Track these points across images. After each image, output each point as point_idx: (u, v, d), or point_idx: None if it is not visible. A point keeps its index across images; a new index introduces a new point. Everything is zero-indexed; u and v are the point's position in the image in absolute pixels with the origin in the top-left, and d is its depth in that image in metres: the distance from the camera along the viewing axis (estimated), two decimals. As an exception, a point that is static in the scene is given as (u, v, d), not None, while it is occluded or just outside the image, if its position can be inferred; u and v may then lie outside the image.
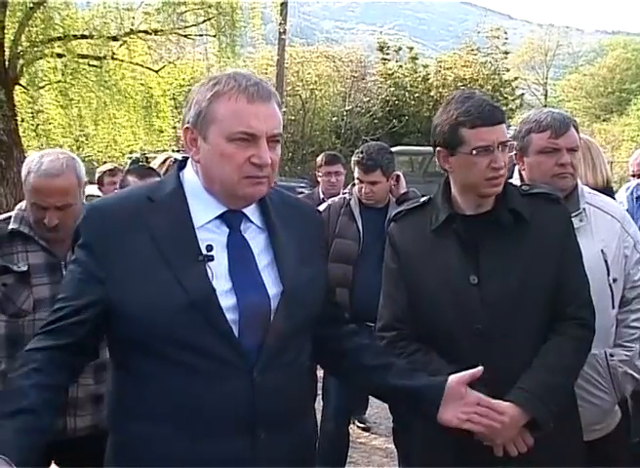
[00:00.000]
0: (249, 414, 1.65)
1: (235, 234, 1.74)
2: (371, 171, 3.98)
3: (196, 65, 14.22)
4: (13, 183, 10.00)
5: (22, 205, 2.66)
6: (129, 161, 14.55)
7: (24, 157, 10.66)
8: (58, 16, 11.45)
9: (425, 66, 29.23)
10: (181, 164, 1.82)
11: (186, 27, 12.54)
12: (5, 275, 2.55)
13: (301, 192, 11.55)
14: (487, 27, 32.48)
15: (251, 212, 1.78)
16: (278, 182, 6.69)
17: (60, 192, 2.51)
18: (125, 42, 12.21)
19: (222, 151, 1.66)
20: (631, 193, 4.78)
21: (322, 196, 5.32)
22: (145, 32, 12.25)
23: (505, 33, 31.43)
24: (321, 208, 4.04)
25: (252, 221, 1.78)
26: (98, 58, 11.90)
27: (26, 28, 11.01)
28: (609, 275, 2.41)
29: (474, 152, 2.04)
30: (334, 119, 26.47)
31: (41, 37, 11.16)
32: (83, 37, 11.77)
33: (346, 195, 4.19)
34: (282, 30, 19.74)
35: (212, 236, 1.72)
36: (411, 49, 30.21)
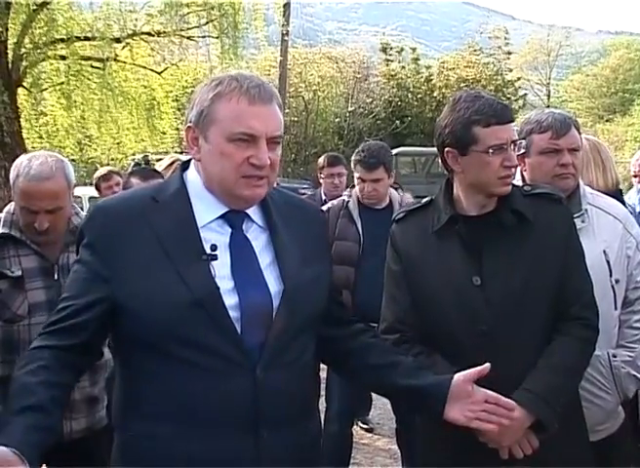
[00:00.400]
0: (251, 413, 1.66)
1: (238, 234, 1.76)
2: (374, 168, 3.97)
3: (199, 67, 14.24)
4: (16, 185, 10.02)
5: (11, 208, 2.62)
6: (132, 163, 14.57)
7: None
8: (61, 18, 11.48)
9: (428, 67, 29.25)
10: (185, 165, 1.84)
11: (189, 29, 12.56)
12: None
13: (304, 193, 11.51)
14: (489, 28, 32.52)
15: (253, 211, 1.80)
16: (281, 184, 6.69)
17: (50, 196, 2.46)
18: (128, 44, 12.23)
19: (222, 151, 1.68)
20: None
21: (324, 197, 5.32)
22: (148, 34, 12.28)
23: (508, 34, 31.45)
24: None
25: (254, 221, 1.79)
26: (100, 60, 11.91)
27: (30, 30, 11.04)
28: (611, 276, 2.41)
29: (490, 151, 2.04)
30: (336, 120, 26.48)
31: (44, 39, 11.18)
32: (86, 39, 11.80)
33: (345, 197, 4.18)
34: (284, 32, 19.76)
35: (214, 236, 1.73)
36: (413, 50, 30.25)
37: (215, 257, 1.69)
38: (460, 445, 2.00)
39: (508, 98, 27.68)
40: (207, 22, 12.53)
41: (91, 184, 6.90)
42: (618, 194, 2.95)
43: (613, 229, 2.46)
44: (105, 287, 1.66)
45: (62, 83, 12.13)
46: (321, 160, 5.57)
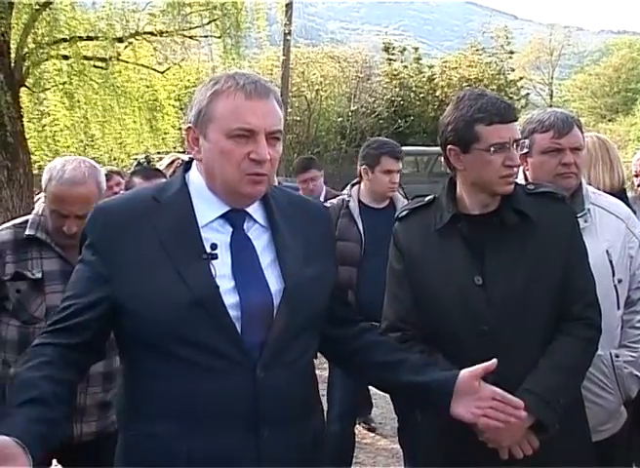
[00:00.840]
0: (252, 412, 1.66)
1: (239, 233, 1.76)
2: (401, 159, 4.03)
3: (201, 67, 14.23)
4: (19, 185, 10.02)
5: (39, 210, 2.65)
6: (134, 163, 14.58)
7: (30, 159, 10.71)
8: (63, 17, 11.46)
9: (431, 67, 29.23)
10: (187, 165, 1.85)
11: (191, 29, 12.53)
12: (19, 281, 2.54)
13: (306, 193, 11.53)
14: (492, 27, 32.49)
15: (254, 211, 1.80)
16: (284, 183, 6.70)
17: (82, 201, 2.50)
18: (130, 43, 12.21)
19: (222, 148, 1.69)
20: None
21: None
22: (151, 34, 12.26)
23: (510, 33, 31.42)
24: None
25: (255, 220, 1.80)
26: (103, 60, 11.90)
27: (32, 30, 11.03)
28: (614, 276, 2.41)
29: (492, 149, 2.03)
30: (339, 120, 26.46)
31: (47, 39, 11.17)
32: (88, 39, 11.78)
33: (345, 197, 4.15)
34: (287, 31, 19.77)
35: (216, 235, 1.73)
36: (416, 49, 30.21)
37: (215, 256, 1.69)
38: (462, 445, 2.00)
39: (511, 98, 27.64)
40: (209, 22, 12.51)
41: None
42: (622, 193, 2.95)
43: (615, 229, 2.46)
44: (106, 286, 1.67)
45: (65, 83, 12.13)
46: (295, 164, 5.53)
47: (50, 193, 2.53)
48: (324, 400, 3.88)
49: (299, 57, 26.48)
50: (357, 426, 4.67)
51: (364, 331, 1.98)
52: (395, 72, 27.89)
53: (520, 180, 2.53)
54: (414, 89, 27.55)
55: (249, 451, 1.66)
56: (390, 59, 28.60)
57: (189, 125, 1.76)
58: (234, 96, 1.69)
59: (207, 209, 1.75)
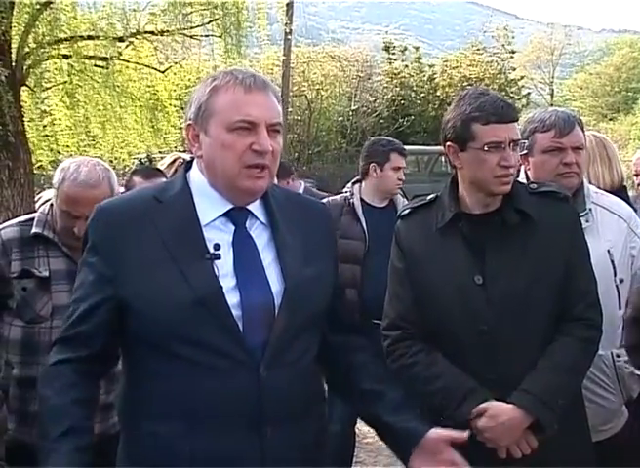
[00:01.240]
0: (255, 411, 1.66)
1: (241, 231, 1.76)
2: (406, 157, 4.10)
3: (202, 66, 14.21)
4: (20, 184, 10.02)
5: (45, 209, 2.64)
6: (135, 162, 14.57)
7: (31, 158, 10.70)
8: (64, 17, 11.46)
9: (431, 66, 29.23)
10: (189, 165, 1.85)
11: (192, 28, 12.53)
12: (26, 279, 2.52)
13: (308, 192, 11.53)
14: (493, 27, 32.48)
15: (256, 208, 1.80)
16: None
17: (95, 203, 2.48)
18: (131, 43, 12.20)
19: (223, 141, 1.69)
20: None
21: None
22: (151, 33, 12.25)
23: (511, 32, 31.40)
24: None
25: (257, 218, 1.80)
26: (104, 59, 11.89)
27: (33, 30, 11.02)
28: (615, 275, 2.41)
29: (485, 148, 2.03)
30: (340, 119, 26.46)
31: (47, 38, 11.16)
32: (89, 38, 11.78)
33: (347, 194, 4.15)
34: (288, 30, 19.77)
35: (218, 234, 1.73)
36: (417, 48, 30.21)
37: (218, 257, 1.69)
38: (464, 445, 2.00)
39: (512, 97, 27.63)
40: (210, 21, 12.50)
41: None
42: (622, 192, 2.95)
43: (617, 228, 2.46)
44: (111, 287, 1.68)
45: (66, 82, 12.12)
46: None
47: (63, 193, 2.52)
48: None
49: (299, 56, 26.46)
50: (358, 425, 4.67)
51: (359, 348, 1.93)
52: (396, 72, 27.88)
53: (521, 180, 2.53)
54: (414, 88, 27.54)
55: (253, 451, 1.66)
56: (391, 59, 28.59)
57: (189, 122, 1.76)
58: (234, 89, 1.70)
59: (209, 207, 1.75)
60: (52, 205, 2.63)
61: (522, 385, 1.98)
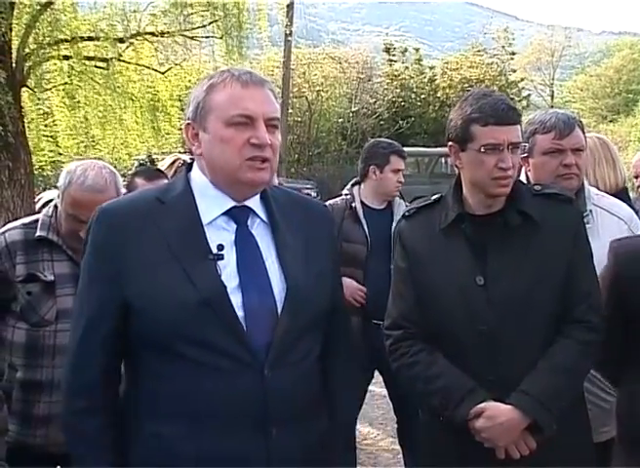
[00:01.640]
0: (260, 412, 1.66)
1: (243, 230, 1.77)
2: (405, 159, 4.12)
3: (203, 67, 14.21)
4: (20, 185, 10.03)
5: (49, 211, 2.63)
6: (136, 163, 14.58)
7: (31, 159, 10.70)
8: (64, 18, 11.46)
9: (432, 68, 29.28)
10: (189, 166, 1.85)
11: (193, 29, 12.54)
12: (31, 283, 2.51)
13: (308, 194, 11.55)
14: (493, 28, 32.52)
15: (257, 206, 1.80)
16: (284, 184, 6.69)
17: None
18: (132, 44, 12.21)
19: (222, 137, 1.71)
20: None
21: None
22: (152, 34, 12.26)
23: (511, 34, 31.44)
24: None
25: (258, 216, 1.80)
26: (104, 60, 11.90)
27: (33, 30, 11.03)
28: (616, 277, 2.40)
29: (482, 149, 2.04)
30: (340, 120, 26.47)
31: (48, 39, 11.17)
32: (90, 39, 11.79)
33: (348, 197, 4.14)
34: (288, 32, 19.77)
35: (221, 233, 1.74)
36: (417, 50, 30.27)
37: (221, 257, 1.70)
38: (462, 445, 2.01)
39: (512, 99, 27.59)
40: (211, 23, 12.51)
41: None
42: (624, 194, 2.95)
43: (617, 230, 2.46)
44: (114, 288, 1.68)
45: (66, 83, 12.12)
46: None
47: (69, 197, 2.51)
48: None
49: (300, 57, 26.49)
50: (358, 426, 4.67)
51: (342, 369, 1.92)
52: (396, 73, 27.91)
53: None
54: (415, 90, 27.57)
55: (258, 451, 1.67)
56: (391, 60, 28.62)
57: (188, 121, 1.77)
58: (231, 85, 1.72)
59: (210, 206, 1.75)
60: (56, 207, 2.61)
61: (521, 386, 1.98)
